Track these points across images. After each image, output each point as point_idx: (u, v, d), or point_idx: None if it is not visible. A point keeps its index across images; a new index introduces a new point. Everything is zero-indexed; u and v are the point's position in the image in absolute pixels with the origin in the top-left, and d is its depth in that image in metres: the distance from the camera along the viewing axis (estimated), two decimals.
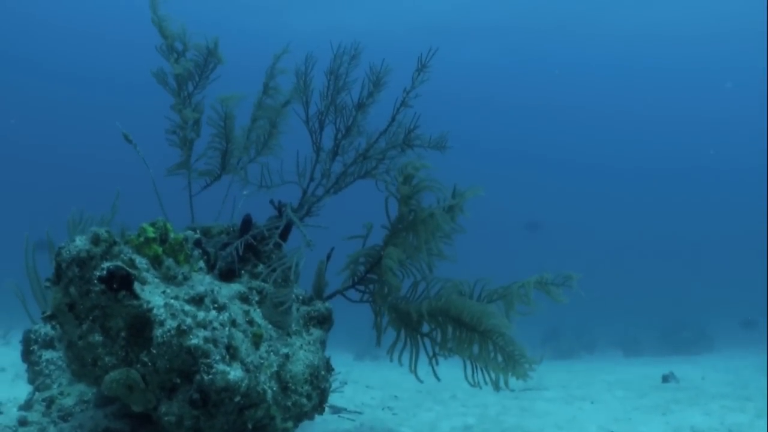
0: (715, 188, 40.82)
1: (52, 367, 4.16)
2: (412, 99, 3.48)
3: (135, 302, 2.51)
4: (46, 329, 4.32)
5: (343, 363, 10.56)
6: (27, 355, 4.26)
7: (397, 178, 3.04)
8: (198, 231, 3.68)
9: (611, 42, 32.03)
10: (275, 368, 2.95)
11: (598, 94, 36.92)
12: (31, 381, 4.20)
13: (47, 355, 4.32)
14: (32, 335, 4.30)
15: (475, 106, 37.86)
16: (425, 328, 3.20)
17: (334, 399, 5.41)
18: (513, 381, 7.22)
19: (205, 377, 2.48)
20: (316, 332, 3.46)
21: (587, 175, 42.26)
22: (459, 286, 3.29)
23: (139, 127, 4.10)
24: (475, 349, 2.99)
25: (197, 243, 3.39)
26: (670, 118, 38.19)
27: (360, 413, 5.49)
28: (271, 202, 3.70)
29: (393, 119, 3.36)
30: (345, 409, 5.57)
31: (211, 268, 3.45)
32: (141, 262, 2.83)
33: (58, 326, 2.64)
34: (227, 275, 3.39)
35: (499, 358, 2.98)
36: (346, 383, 7.55)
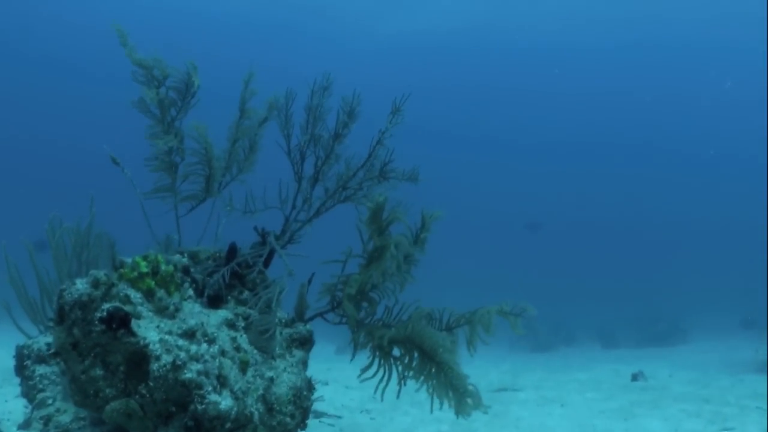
0: (715, 187, 41.66)
1: (45, 381, 4.44)
2: (392, 131, 3.80)
3: (133, 339, 2.81)
4: (39, 345, 4.59)
5: (325, 357, 10.93)
6: (20, 369, 4.53)
7: (369, 211, 3.34)
8: (185, 255, 3.98)
9: (611, 42, 32.51)
10: (261, 391, 3.27)
11: (598, 94, 37.48)
12: (24, 394, 4.47)
13: (40, 369, 4.59)
14: (25, 351, 4.57)
15: (475, 106, 38.36)
16: (396, 351, 3.53)
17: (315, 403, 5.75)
18: (491, 382, 7.56)
19: (199, 407, 2.78)
20: (298, 354, 3.78)
21: (587, 174, 42.83)
22: (430, 311, 3.63)
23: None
24: (434, 378, 3.32)
25: (185, 271, 3.69)
26: (670, 118, 38.90)
27: (339, 417, 5.83)
28: (255, 228, 3.99)
29: (370, 156, 3.66)
30: (325, 414, 5.91)
31: (199, 294, 3.74)
32: (136, 296, 3.13)
33: (62, 362, 2.92)
34: (214, 301, 3.69)
35: (450, 393, 3.31)
36: (327, 384, 7.93)
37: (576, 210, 41.18)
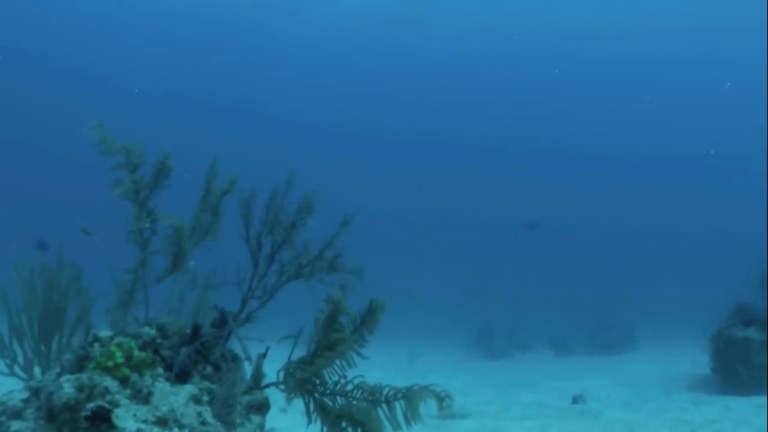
0: (715, 188, 43.02)
1: None
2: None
3: (113, 431, 3.40)
4: (13, 401, 5.11)
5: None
6: None
7: (321, 307, 3.97)
8: (154, 326, 4.56)
9: (611, 42, 33.32)
10: None
11: (597, 94, 38.41)
12: None
13: (15, 425, 5.12)
14: (0, 407, 5.09)
15: (475, 106, 39.05)
16: (343, 423, 4.17)
17: None
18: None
19: None
20: (256, 419, 4.40)
21: (586, 174, 43.90)
22: (372, 387, 4.28)
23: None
24: None
25: (155, 351, 4.27)
26: (670, 119, 40.07)
27: None
28: (216, 307, 4.59)
29: (321, 253, 4.29)
30: None
31: (167, 367, 4.33)
32: (113, 385, 3.71)
33: None
34: (182, 376, 4.28)
35: None
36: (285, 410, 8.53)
37: (552, 214, 42.45)
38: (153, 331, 4.45)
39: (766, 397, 9.09)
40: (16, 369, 7.27)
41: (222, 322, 4.54)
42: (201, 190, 4.77)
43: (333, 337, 3.97)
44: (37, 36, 33.77)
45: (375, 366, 5.04)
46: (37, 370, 7.29)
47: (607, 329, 17.28)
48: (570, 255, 38.97)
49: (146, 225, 4.71)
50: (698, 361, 11.35)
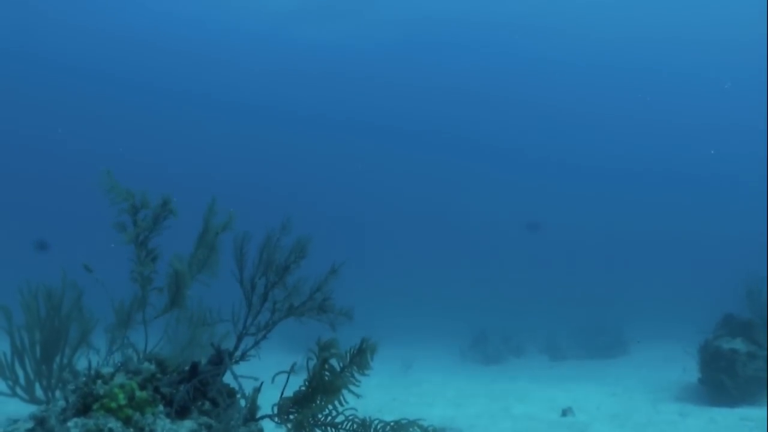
0: (716, 189, 43.37)
1: None
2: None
3: None
4: None
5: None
6: None
7: (315, 351, 4.26)
8: (153, 362, 4.86)
9: (611, 43, 33.60)
10: None
11: (597, 95, 38.72)
12: None
13: None
14: None
15: (475, 108, 39.33)
16: None
17: None
18: (433, 418, 8.60)
19: None
20: None
21: (586, 175, 44.25)
22: (363, 420, 4.57)
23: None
24: None
25: (156, 389, 4.56)
26: (670, 118, 40.42)
27: None
28: (212, 344, 4.88)
29: (311, 296, 4.58)
30: None
31: (167, 403, 4.62)
32: (116, 426, 4.00)
33: None
34: (182, 412, 4.58)
35: None
36: None
37: (548, 216, 42.76)
38: (153, 367, 4.75)
39: (751, 409, 9.44)
40: (18, 390, 7.60)
41: (218, 359, 4.83)
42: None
43: (326, 380, 4.26)
44: (35, 32, 34.03)
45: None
46: (37, 388, 7.62)
47: (600, 333, 17.63)
48: (566, 258, 39.34)
49: (148, 269, 5.01)
50: (689, 367, 11.66)
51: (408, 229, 43.47)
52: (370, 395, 4.94)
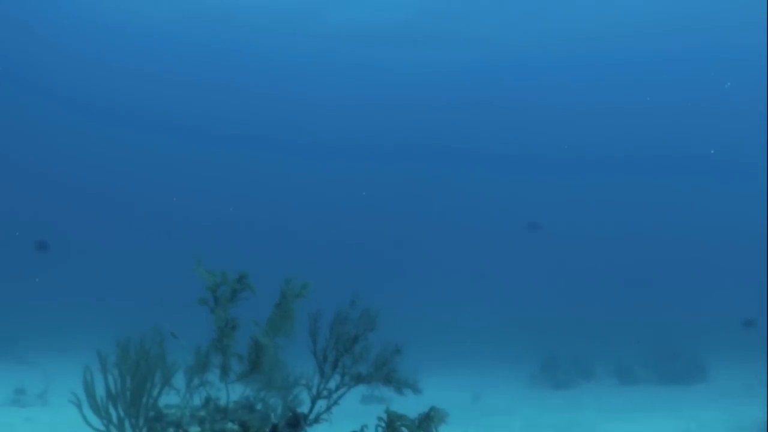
0: (716, 188, 42.34)
1: None
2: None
3: None
4: None
5: None
6: None
7: (384, 419, 4.74)
8: (237, 423, 5.45)
9: (611, 42, 33.33)
10: None
11: (597, 95, 38.36)
12: None
13: None
14: None
15: (475, 109, 39.53)
16: None
17: None
18: None
19: None
20: None
21: (586, 175, 43.78)
22: None
23: None
24: None
25: None
26: (669, 118, 39.69)
27: None
28: (290, 408, 5.42)
29: (378, 368, 5.06)
30: None
31: None
32: None
33: None
34: None
35: None
36: None
37: (579, 217, 42.32)
38: (236, 427, 5.33)
39: None
40: (111, 428, 8.41)
41: (295, 421, 5.38)
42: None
43: None
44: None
45: (437, 402, 5.19)
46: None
47: (674, 357, 17.43)
48: (631, 273, 38.59)
49: (229, 339, 5.60)
50: None
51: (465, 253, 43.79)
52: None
